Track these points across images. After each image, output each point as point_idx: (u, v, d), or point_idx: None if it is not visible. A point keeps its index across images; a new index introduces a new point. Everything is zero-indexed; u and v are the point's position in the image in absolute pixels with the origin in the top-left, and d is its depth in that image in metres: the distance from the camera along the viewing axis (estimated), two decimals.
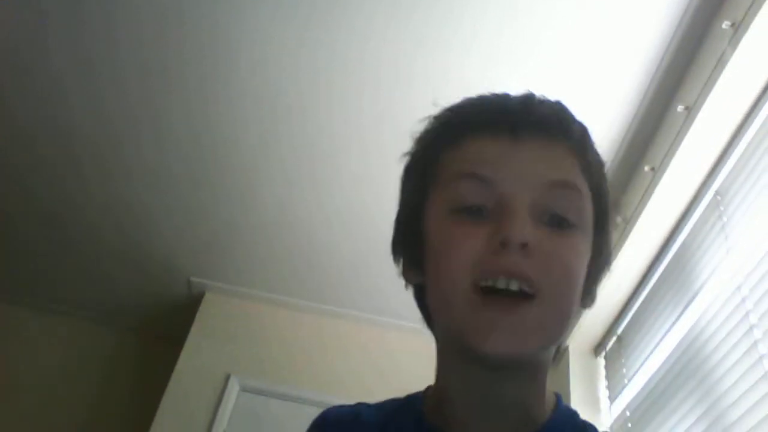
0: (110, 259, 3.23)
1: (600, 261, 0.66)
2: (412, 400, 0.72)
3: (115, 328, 3.67)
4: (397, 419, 0.70)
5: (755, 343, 1.60)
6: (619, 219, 2.32)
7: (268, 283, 3.18)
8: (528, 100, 0.65)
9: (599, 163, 0.67)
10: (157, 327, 3.57)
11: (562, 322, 0.60)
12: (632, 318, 2.44)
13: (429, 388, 0.71)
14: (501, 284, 0.57)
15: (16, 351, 3.52)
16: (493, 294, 0.57)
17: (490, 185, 0.59)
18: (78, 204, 2.93)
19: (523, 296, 0.57)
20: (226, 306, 3.24)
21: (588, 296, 0.66)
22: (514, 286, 0.56)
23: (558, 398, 0.68)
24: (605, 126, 2.21)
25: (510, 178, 0.59)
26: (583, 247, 0.61)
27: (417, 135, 0.69)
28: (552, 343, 0.61)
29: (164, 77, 2.33)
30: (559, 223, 0.59)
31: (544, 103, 0.65)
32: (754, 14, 1.63)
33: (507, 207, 0.58)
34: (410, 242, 0.66)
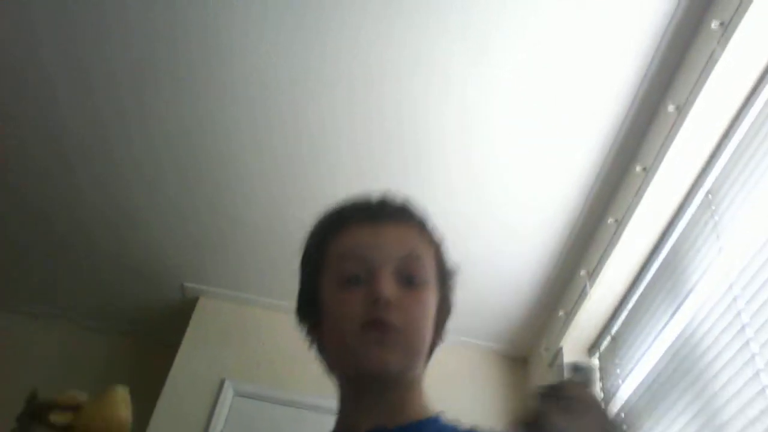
0: (103, 264, 3.21)
1: (444, 307, 0.90)
2: None
3: (109, 334, 3.64)
4: None
5: (747, 342, 1.61)
6: (611, 219, 2.33)
7: (262, 286, 3.17)
8: (384, 198, 0.92)
9: (438, 238, 0.93)
10: (151, 332, 3.55)
11: (416, 349, 0.83)
12: (626, 318, 2.45)
13: None
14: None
15: (8, 357, 3.50)
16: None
17: (362, 261, 0.84)
18: (70, 209, 2.91)
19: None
20: (220, 310, 3.23)
21: (439, 334, 0.89)
22: (385, 335, 0.80)
23: (439, 412, 0.88)
24: (597, 126, 2.22)
25: (376, 255, 0.84)
26: (429, 298, 0.86)
27: (308, 231, 0.94)
28: (410, 363, 0.83)
29: (156, 79, 2.31)
30: (411, 282, 0.84)
31: (396, 200, 0.92)
32: (743, 14, 1.64)
33: (375, 275, 0.82)
34: (311, 311, 0.91)
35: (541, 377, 2.93)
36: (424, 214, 0.93)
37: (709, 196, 1.98)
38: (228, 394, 2.93)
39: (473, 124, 2.28)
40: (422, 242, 0.90)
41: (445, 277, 0.92)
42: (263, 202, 2.73)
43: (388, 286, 0.82)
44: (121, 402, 0.92)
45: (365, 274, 0.83)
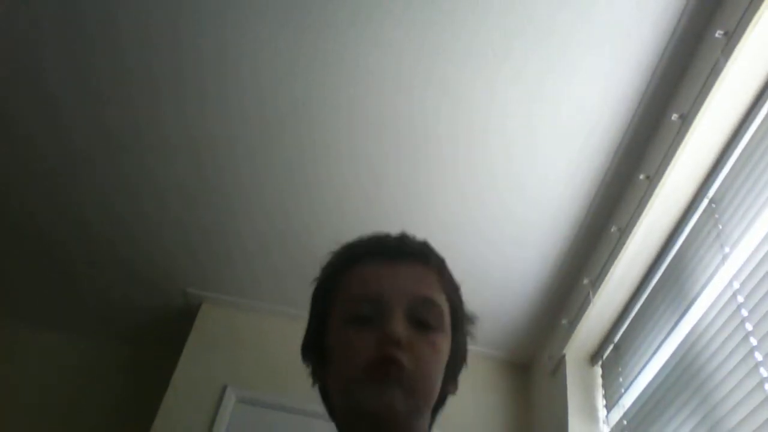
0: (106, 270, 3.22)
1: (457, 354, 0.86)
2: None
3: (111, 340, 3.65)
4: None
5: (751, 351, 1.61)
6: (614, 228, 2.33)
7: (265, 293, 3.17)
8: (402, 237, 0.89)
9: (454, 284, 0.89)
10: (154, 338, 3.56)
11: (424, 393, 0.78)
12: (629, 326, 2.44)
13: None
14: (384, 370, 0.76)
15: (9, 365, 3.50)
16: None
17: (376, 299, 0.80)
18: (74, 215, 2.92)
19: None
20: (222, 317, 3.24)
21: (451, 382, 0.85)
22: (393, 374, 0.76)
23: None
24: (600, 134, 2.22)
25: (389, 293, 0.81)
26: (441, 343, 0.82)
27: (322, 265, 0.90)
28: (416, 408, 0.77)
29: (166, 93, 2.34)
30: (424, 324, 0.80)
31: (414, 240, 0.89)
32: (746, 24, 1.64)
33: (388, 313, 0.79)
34: (318, 347, 0.86)
35: (544, 385, 2.92)
36: (442, 257, 0.89)
37: (713, 204, 1.98)
38: (230, 400, 2.93)
39: (479, 132, 2.28)
40: (439, 286, 0.86)
41: (459, 323, 0.88)
42: (266, 209, 2.73)
43: (401, 327, 0.78)
44: None
45: (377, 312, 0.79)
